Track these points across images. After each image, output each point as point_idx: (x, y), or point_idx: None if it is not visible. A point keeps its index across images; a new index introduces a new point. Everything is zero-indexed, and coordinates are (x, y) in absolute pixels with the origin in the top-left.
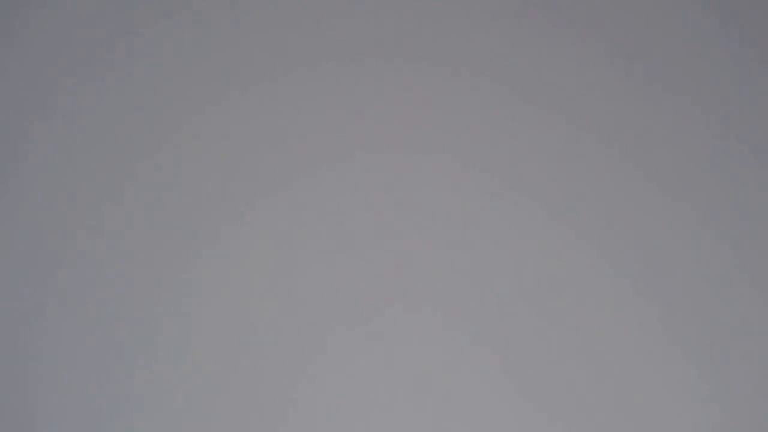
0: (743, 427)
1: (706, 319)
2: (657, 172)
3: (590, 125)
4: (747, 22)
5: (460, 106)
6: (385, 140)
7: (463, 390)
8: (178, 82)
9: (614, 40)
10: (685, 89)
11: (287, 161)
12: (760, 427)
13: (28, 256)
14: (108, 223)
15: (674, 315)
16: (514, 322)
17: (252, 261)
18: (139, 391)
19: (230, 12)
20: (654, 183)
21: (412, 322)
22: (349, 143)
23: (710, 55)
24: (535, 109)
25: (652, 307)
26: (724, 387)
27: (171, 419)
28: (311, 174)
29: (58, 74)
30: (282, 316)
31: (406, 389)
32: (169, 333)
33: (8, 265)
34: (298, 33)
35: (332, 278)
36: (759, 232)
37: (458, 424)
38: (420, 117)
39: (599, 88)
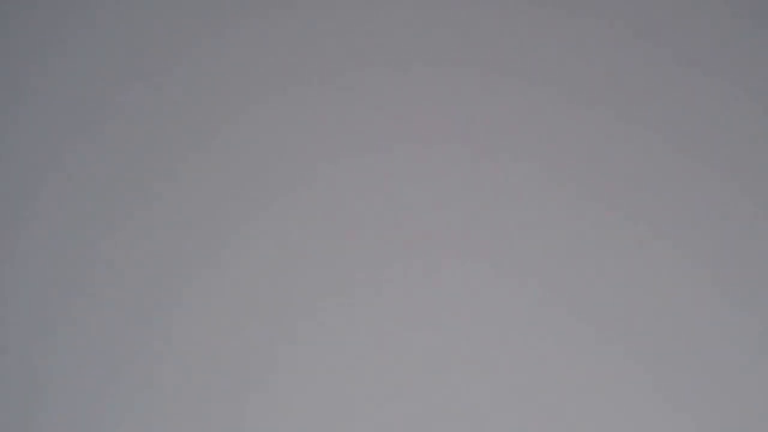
0: None
1: None
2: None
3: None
4: None
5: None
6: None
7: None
8: (193, 88)
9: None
10: None
11: (292, 165)
12: None
13: (42, 261)
14: (117, 226)
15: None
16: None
17: (265, 263)
18: (145, 391)
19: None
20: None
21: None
22: (359, 144)
23: None
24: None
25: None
26: None
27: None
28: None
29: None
30: (294, 316)
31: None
32: (178, 332)
33: (17, 272)
34: (311, 43)
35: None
36: None
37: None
38: (435, 114)
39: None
